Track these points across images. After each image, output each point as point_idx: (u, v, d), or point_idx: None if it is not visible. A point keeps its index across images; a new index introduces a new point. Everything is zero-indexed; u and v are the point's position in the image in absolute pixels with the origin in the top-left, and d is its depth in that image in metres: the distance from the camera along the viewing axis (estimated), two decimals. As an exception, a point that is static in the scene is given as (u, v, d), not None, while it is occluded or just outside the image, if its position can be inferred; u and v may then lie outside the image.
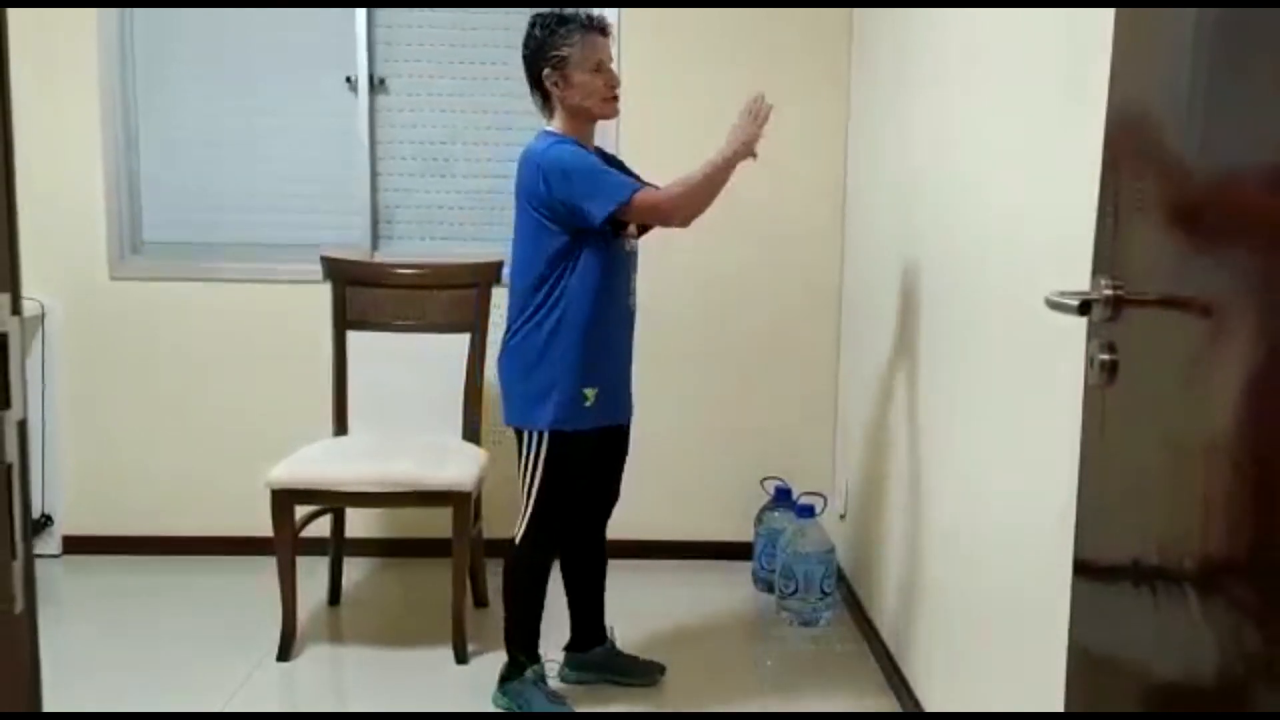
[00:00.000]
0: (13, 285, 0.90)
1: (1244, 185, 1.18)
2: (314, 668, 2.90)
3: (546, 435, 2.50)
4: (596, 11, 2.55)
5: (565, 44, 2.47)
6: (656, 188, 2.49)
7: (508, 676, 2.65)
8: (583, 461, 2.58)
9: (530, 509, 2.55)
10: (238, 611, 3.18)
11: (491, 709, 2.65)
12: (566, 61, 2.47)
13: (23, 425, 0.91)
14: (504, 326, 2.60)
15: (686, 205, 2.49)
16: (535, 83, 2.53)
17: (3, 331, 0.89)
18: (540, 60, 2.49)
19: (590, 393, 2.52)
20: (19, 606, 0.90)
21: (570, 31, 2.47)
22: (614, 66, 2.55)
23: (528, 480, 2.54)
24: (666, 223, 2.54)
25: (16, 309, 0.91)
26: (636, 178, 2.57)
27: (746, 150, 2.48)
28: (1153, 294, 1.37)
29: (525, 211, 2.50)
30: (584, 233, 2.46)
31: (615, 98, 2.53)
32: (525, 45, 2.52)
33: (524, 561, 2.61)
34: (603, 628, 2.82)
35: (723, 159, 2.47)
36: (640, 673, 2.80)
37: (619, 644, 2.85)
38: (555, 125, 2.54)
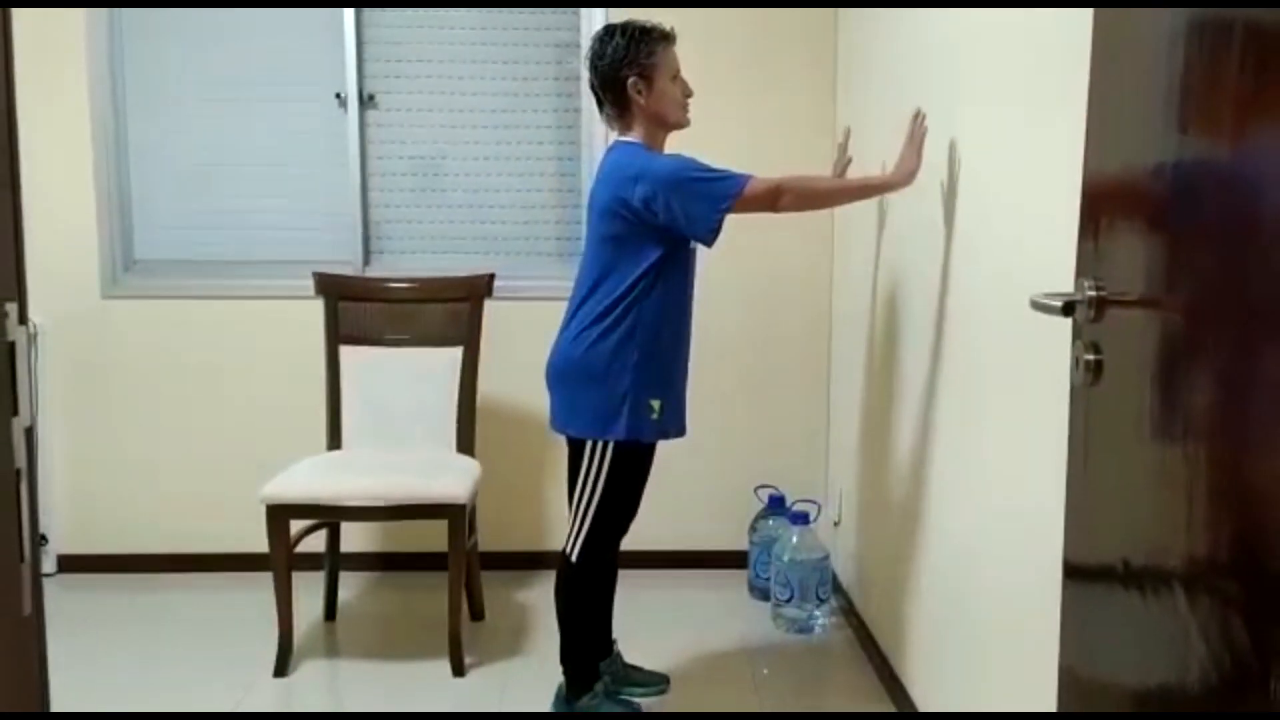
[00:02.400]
0: (20, 294, 0.92)
1: (1216, 185, 1.21)
2: (311, 683, 2.90)
3: (613, 447, 2.47)
4: (667, 24, 2.53)
5: (650, 53, 2.46)
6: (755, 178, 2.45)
7: (574, 696, 2.62)
8: (644, 472, 2.59)
9: (590, 520, 2.51)
10: (234, 627, 3.18)
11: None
12: (654, 70, 2.46)
13: (30, 432, 0.93)
14: (555, 334, 2.54)
15: (803, 203, 2.56)
16: (613, 91, 2.48)
17: (10, 340, 0.91)
18: (624, 69, 2.45)
19: (656, 404, 2.49)
20: (27, 609, 0.92)
21: (654, 40, 2.47)
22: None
23: (588, 492, 2.50)
24: (773, 209, 2.48)
25: (23, 318, 0.93)
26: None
27: (908, 182, 2.46)
28: (1135, 295, 1.39)
29: (612, 225, 2.45)
30: (681, 243, 2.45)
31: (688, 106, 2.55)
32: (601, 56, 2.47)
33: (585, 574, 2.57)
34: (610, 640, 2.79)
35: (880, 183, 2.51)
36: (648, 683, 2.80)
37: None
38: (635, 135, 2.51)
